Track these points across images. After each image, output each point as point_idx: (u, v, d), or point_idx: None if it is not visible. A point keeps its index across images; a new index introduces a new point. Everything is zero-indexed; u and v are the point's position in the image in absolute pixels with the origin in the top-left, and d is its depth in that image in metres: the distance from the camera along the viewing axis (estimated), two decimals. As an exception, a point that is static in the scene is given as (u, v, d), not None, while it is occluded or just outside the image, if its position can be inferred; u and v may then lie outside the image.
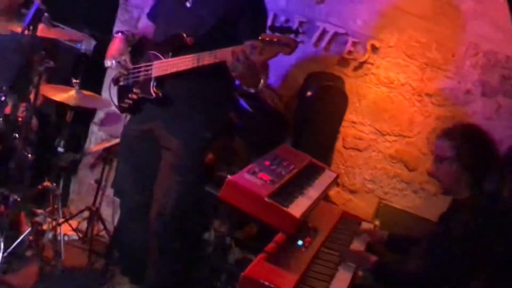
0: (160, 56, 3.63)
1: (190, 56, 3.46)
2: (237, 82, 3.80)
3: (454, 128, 3.30)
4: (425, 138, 4.40)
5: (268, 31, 3.31)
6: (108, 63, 3.76)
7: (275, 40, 3.17)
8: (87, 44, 4.53)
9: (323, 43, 4.53)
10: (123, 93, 3.86)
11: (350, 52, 4.49)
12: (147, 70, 3.67)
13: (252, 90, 3.62)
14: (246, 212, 3.29)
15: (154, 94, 3.63)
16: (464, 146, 3.14)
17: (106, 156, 4.83)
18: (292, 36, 3.19)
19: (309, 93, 4.39)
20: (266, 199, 3.14)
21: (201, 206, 3.95)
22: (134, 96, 3.76)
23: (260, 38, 3.20)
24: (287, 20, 4.60)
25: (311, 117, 4.42)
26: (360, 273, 3.46)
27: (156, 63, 3.63)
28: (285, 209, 3.17)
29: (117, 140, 4.44)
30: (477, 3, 4.24)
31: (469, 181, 3.12)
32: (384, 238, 3.69)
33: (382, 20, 4.45)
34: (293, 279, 2.90)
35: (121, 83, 3.85)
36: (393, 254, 3.66)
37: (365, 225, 4.02)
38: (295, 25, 4.54)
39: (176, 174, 3.68)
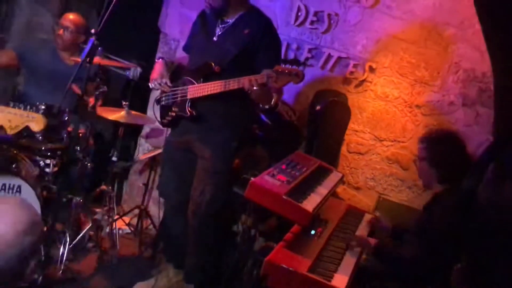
0: (194, 81, 3.66)
1: (219, 82, 3.50)
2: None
3: (427, 134, 3.49)
4: (417, 142, 4.06)
5: (281, 64, 3.38)
6: (152, 84, 3.86)
7: (286, 71, 3.25)
8: (134, 72, 4.50)
9: (329, 66, 4.59)
10: (164, 111, 3.90)
11: (351, 73, 4.54)
12: (183, 93, 3.72)
13: (266, 107, 3.66)
14: (267, 208, 3.33)
15: (189, 113, 3.68)
16: (432, 148, 3.29)
17: (151, 163, 4.95)
18: (301, 68, 3.27)
19: (318, 107, 4.46)
20: (283, 197, 3.19)
21: (230, 203, 3.96)
22: (173, 114, 3.81)
23: (274, 69, 3.27)
24: (298, 48, 4.64)
25: (320, 128, 4.45)
26: (364, 256, 3.50)
27: (190, 87, 3.67)
28: (299, 204, 3.22)
29: (160, 150, 4.54)
30: (457, 30, 4.25)
31: (438, 177, 3.26)
32: (389, 229, 3.75)
33: (378, 45, 4.48)
34: (308, 263, 3.01)
35: (163, 103, 3.90)
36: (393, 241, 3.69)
37: (367, 216, 4.02)
38: (305, 52, 4.60)
39: (209, 178, 3.73)
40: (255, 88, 3.35)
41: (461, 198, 3.20)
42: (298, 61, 3.39)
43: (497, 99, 3.83)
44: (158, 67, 3.90)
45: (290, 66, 3.31)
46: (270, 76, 3.29)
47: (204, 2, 3.67)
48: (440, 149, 3.28)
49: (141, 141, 5.42)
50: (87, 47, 3.65)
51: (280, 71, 3.28)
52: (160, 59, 3.98)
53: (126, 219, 5.03)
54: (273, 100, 3.55)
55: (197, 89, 3.65)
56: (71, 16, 4.69)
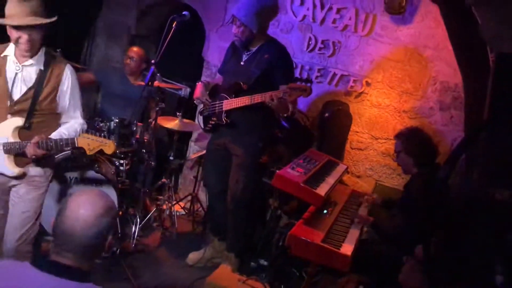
0: (227, 97, 3.66)
1: (246, 97, 3.51)
2: None
3: (400, 131, 3.52)
4: None
5: (294, 81, 3.35)
6: (195, 101, 3.90)
7: (297, 88, 3.26)
8: (184, 91, 4.57)
9: (334, 82, 4.59)
10: (206, 120, 3.89)
11: (352, 87, 4.54)
12: (219, 106, 3.71)
13: (285, 115, 3.67)
14: (289, 193, 3.39)
15: (224, 121, 3.68)
16: (407, 140, 3.33)
17: (199, 160, 4.91)
18: (308, 84, 3.27)
19: (326, 114, 4.45)
20: (301, 184, 3.23)
21: (260, 190, 3.96)
22: (213, 122, 3.80)
23: (288, 86, 3.30)
24: (310, 68, 4.65)
25: (328, 130, 4.45)
26: (365, 229, 3.53)
27: (225, 101, 3.66)
28: (314, 190, 3.26)
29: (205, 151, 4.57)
30: (434, 51, 4.23)
31: (414, 162, 3.29)
32: (378, 200, 3.78)
33: (372, 65, 4.47)
34: (321, 235, 3.04)
35: (204, 114, 3.89)
36: (385, 211, 3.66)
37: (363, 200, 3.93)
38: (315, 72, 4.62)
39: (242, 171, 3.73)
40: (274, 101, 3.36)
41: (431, 179, 3.15)
42: (307, 79, 3.34)
43: (466, 104, 3.78)
44: (199, 88, 3.88)
45: (300, 83, 3.30)
46: (285, 92, 3.31)
47: (234, 36, 3.67)
48: (413, 140, 3.32)
49: (191, 143, 5.43)
50: (149, 74, 3.70)
51: (293, 88, 3.29)
52: (200, 82, 3.95)
53: (182, 203, 5.06)
54: (289, 110, 3.55)
55: (230, 103, 3.64)
56: (135, 49, 4.74)
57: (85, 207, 1.70)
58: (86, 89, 5.07)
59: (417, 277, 2.62)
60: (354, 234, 3.25)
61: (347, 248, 2.98)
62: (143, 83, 4.25)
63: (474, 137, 3.01)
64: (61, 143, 2.65)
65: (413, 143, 3.31)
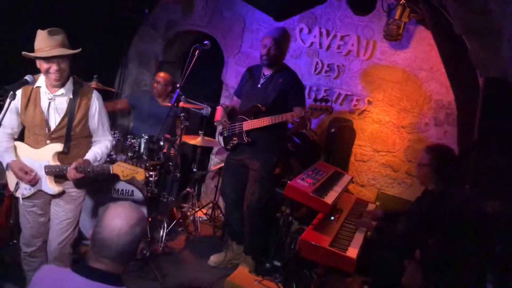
0: (246, 118, 3.66)
1: (268, 117, 3.50)
2: (289, 125, 3.85)
3: (433, 147, 3.24)
4: (403, 152, 4.36)
5: (314, 103, 3.37)
6: (216, 123, 3.94)
7: (319, 108, 3.30)
8: (206, 111, 4.59)
9: (339, 101, 4.58)
10: (226, 140, 3.87)
11: (355, 105, 4.53)
12: (239, 127, 3.70)
13: (303, 131, 3.75)
14: (300, 202, 3.37)
15: (246, 140, 3.67)
16: (436, 159, 3.08)
17: (219, 172, 4.84)
18: (329, 104, 3.31)
19: (333, 130, 4.43)
20: (310, 194, 3.22)
21: (274, 199, 3.92)
22: (234, 142, 3.77)
23: (310, 106, 3.33)
24: (317, 89, 4.66)
25: (334, 144, 4.42)
26: (368, 233, 3.43)
27: (244, 123, 3.66)
28: (322, 199, 3.25)
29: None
30: (428, 73, 4.21)
31: (435, 179, 3.09)
32: (381, 215, 3.56)
33: (373, 85, 4.46)
34: (328, 240, 3.03)
35: (225, 135, 3.88)
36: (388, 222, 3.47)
37: (370, 206, 3.99)
38: (322, 92, 4.62)
39: (258, 183, 3.72)
40: (296, 120, 3.39)
41: (435, 196, 3.06)
42: (327, 99, 3.33)
43: (459, 121, 3.73)
44: (219, 112, 3.89)
45: (321, 104, 3.33)
46: (306, 111, 3.34)
47: (263, 57, 3.67)
48: (444, 161, 3.07)
49: (212, 156, 5.42)
50: (175, 96, 3.74)
51: (314, 108, 3.32)
52: (219, 106, 3.97)
53: (204, 210, 5.06)
54: (307, 127, 3.59)
55: (250, 124, 3.65)
56: (161, 74, 4.82)
57: (120, 217, 1.72)
58: (121, 113, 5.19)
59: (419, 278, 2.56)
60: (359, 238, 3.22)
61: (353, 252, 2.95)
62: (169, 104, 4.32)
63: (465, 155, 2.94)
64: (97, 169, 2.69)
65: (441, 162, 3.07)
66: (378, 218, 3.54)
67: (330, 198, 3.35)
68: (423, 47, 4.25)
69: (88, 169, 2.68)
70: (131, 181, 3.92)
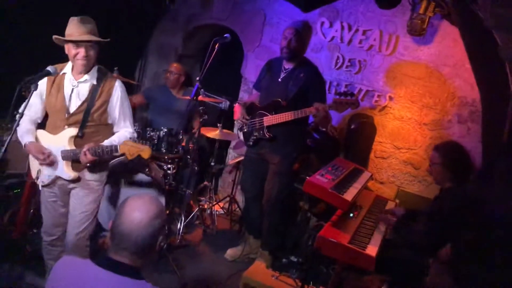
0: (267, 113, 3.61)
1: (290, 112, 3.45)
2: (310, 120, 3.82)
3: (441, 145, 3.18)
4: (424, 149, 4.30)
5: (337, 96, 3.32)
6: (236, 121, 3.91)
7: (344, 102, 3.26)
8: (225, 104, 4.56)
9: (360, 96, 4.48)
10: (247, 136, 3.84)
11: (376, 101, 4.46)
12: (260, 122, 3.67)
13: (324, 129, 3.70)
14: (319, 198, 3.32)
15: (267, 136, 3.63)
16: (447, 156, 3.01)
17: (237, 166, 4.94)
18: (354, 98, 3.26)
19: (353, 126, 4.41)
20: (329, 190, 3.18)
21: (292, 194, 3.88)
22: (255, 137, 3.73)
23: (334, 101, 3.27)
24: (338, 84, 4.59)
25: (354, 140, 4.39)
26: (388, 231, 3.32)
27: (265, 118, 3.62)
28: (341, 195, 3.20)
29: (243, 157, 4.42)
30: (452, 69, 4.13)
31: (450, 176, 3.00)
32: (402, 213, 3.39)
33: (395, 81, 4.38)
34: (348, 237, 2.98)
35: (245, 130, 3.85)
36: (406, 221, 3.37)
37: (390, 203, 3.92)
38: (342, 87, 4.54)
39: (278, 177, 3.69)
40: (319, 115, 3.34)
41: (464, 197, 2.90)
42: (352, 93, 3.28)
43: (484, 119, 3.62)
44: (237, 109, 3.88)
45: (346, 97, 3.28)
46: (330, 106, 3.28)
47: (283, 49, 3.60)
48: (453, 155, 3.02)
49: (230, 150, 5.42)
50: (194, 89, 3.71)
51: (339, 102, 3.27)
52: (237, 103, 3.94)
53: (221, 204, 5.05)
54: (330, 122, 3.56)
55: (271, 119, 3.60)
56: (174, 64, 4.80)
57: (140, 210, 1.70)
58: (138, 107, 5.20)
59: (446, 279, 2.48)
60: (378, 236, 3.16)
61: (372, 249, 2.90)
62: (186, 97, 4.37)
63: (495, 159, 2.82)
64: (107, 150, 2.67)
65: (452, 158, 3.01)
66: (399, 216, 3.45)
67: (349, 194, 3.30)
68: (447, 43, 4.16)
69: (99, 150, 2.66)
70: (150, 174, 3.93)
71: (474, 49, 3.26)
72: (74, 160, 2.76)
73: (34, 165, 2.86)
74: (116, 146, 2.66)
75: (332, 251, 2.91)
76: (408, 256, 3.06)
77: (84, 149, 2.66)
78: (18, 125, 2.34)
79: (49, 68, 2.46)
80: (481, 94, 3.62)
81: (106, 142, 2.78)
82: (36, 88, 2.31)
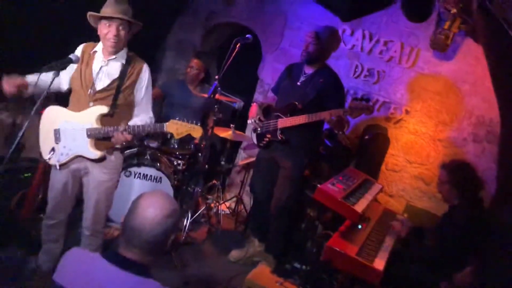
0: (282, 115, 3.59)
1: (304, 115, 3.43)
2: (326, 126, 3.75)
3: (448, 163, 3.20)
4: (436, 166, 4.07)
5: (354, 101, 3.31)
6: (250, 121, 3.86)
7: (359, 107, 3.24)
8: (239, 104, 4.56)
9: (376, 107, 4.44)
10: (260, 137, 3.81)
11: (392, 113, 4.42)
12: (274, 124, 3.64)
13: (340, 132, 3.64)
14: (329, 207, 3.25)
15: (280, 138, 3.60)
16: (454, 174, 3.05)
17: (246, 167, 4.91)
18: (370, 103, 3.26)
19: (366, 137, 4.37)
20: (339, 200, 3.14)
21: (301, 201, 3.87)
22: (267, 139, 3.71)
23: (350, 105, 3.26)
24: (354, 93, 4.55)
25: (367, 151, 4.34)
26: (395, 245, 3.27)
27: (279, 120, 3.59)
28: (351, 206, 3.16)
29: (253, 159, 4.40)
30: (471, 86, 4.09)
31: (457, 194, 3.03)
32: (411, 226, 3.37)
33: (412, 94, 4.33)
34: (355, 248, 2.94)
35: (258, 131, 3.81)
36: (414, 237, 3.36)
37: (398, 217, 3.80)
38: (359, 96, 4.43)
39: (288, 182, 3.65)
40: (334, 119, 3.31)
41: (476, 215, 2.93)
42: (368, 99, 3.26)
43: (502, 140, 3.54)
44: (253, 109, 3.84)
45: (361, 102, 3.26)
46: (345, 111, 3.26)
47: (303, 52, 3.58)
48: (460, 174, 3.04)
49: (241, 151, 5.37)
50: (212, 87, 3.70)
51: (354, 107, 3.25)
52: (254, 103, 3.91)
53: (227, 204, 5.03)
54: (346, 127, 3.53)
55: (286, 121, 3.57)
56: (195, 60, 4.75)
57: (154, 207, 1.67)
58: (154, 101, 5.17)
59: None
60: (386, 249, 3.12)
61: (380, 263, 2.86)
62: (202, 94, 4.38)
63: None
64: (149, 128, 2.62)
65: (459, 176, 3.04)
66: (406, 228, 3.44)
67: (360, 206, 3.24)
68: (469, 60, 4.10)
69: (139, 129, 2.61)
70: (160, 168, 3.90)
71: (498, 66, 3.19)
72: (98, 138, 2.71)
73: (46, 143, 2.79)
74: (162, 124, 2.60)
75: (339, 261, 2.86)
76: (416, 272, 3.01)
77: (121, 128, 2.60)
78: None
79: (71, 55, 2.44)
80: (501, 114, 3.54)
81: (132, 122, 2.73)
82: (57, 75, 2.29)
